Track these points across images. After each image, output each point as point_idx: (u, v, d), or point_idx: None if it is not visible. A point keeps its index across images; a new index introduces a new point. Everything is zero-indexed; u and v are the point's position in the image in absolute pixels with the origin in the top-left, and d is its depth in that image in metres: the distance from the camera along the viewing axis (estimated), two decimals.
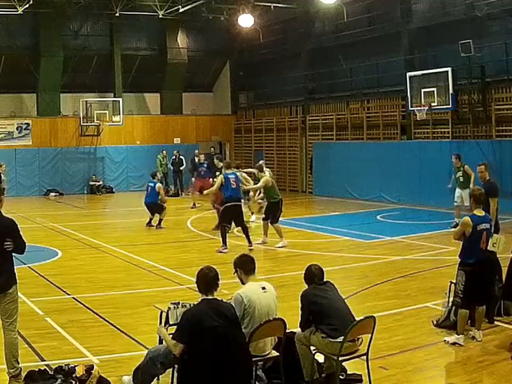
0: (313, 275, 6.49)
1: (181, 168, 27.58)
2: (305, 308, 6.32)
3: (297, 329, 6.45)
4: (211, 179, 21.95)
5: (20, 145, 27.56)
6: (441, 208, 18.97)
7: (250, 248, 13.92)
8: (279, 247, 14.33)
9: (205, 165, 22.44)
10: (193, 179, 22.47)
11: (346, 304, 6.44)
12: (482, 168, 12.13)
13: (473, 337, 7.58)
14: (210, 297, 5.66)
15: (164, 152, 27.84)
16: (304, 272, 6.58)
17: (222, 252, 13.67)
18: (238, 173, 14.95)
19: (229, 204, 14.11)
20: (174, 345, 5.57)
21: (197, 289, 5.79)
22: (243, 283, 6.19)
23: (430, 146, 20.94)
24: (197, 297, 5.90)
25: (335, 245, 14.76)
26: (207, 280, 5.70)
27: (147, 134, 30.17)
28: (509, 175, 18.51)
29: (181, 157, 27.65)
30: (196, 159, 23.46)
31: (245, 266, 6.23)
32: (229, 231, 14.56)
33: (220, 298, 5.80)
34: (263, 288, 6.13)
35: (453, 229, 12.42)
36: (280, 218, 14.99)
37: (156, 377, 6.18)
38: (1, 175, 20.13)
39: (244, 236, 14.25)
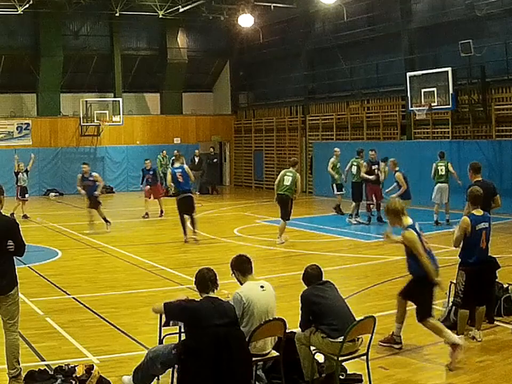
0: (311, 276, 6.49)
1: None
2: (305, 308, 6.32)
3: (297, 329, 6.45)
4: (161, 184, 22.30)
5: (20, 145, 27.52)
6: (441, 208, 18.94)
7: (186, 240, 15.06)
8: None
9: (151, 172, 21.46)
10: (147, 186, 20.95)
11: (346, 304, 6.44)
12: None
13: (473, 337, 7.58)
14: (211, 295, 5.68)
15: (164, 152, 27.86)
16: (302, 274, 6.59)
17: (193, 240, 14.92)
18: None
19: (179, 197, 15.31)
20: (160, 309, 5.79)
21: (197, 290, 5.79)
22: (241, 283, 6.20)
23: (430, 146, 20.93)
24: (196, 297, 5.90)
25: (335, 245, 14.75)
26: (206, 280, 5.73)
27: (147, 134, 30.17)
28: (509, 175, 18.52)
29: (181, 157, 27.62)
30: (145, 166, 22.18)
31: (241, 266, 6.23)
32: None
33: (223, 300, 5.81)
34: (262, 286, 6.13)
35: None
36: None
37: (156, 377, 6.19)
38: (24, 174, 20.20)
39: (190, 225, 15.24)
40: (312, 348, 6.28)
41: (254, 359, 5.91)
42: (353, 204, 18.09)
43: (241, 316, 5.90)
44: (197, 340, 5.48)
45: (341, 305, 6.37)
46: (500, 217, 16.16)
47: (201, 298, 5.78)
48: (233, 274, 6.27)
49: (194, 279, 5.85)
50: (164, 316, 6.58)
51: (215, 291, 5.77)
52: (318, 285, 6.40)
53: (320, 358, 6.44)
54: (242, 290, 6.02)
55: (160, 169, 27.78)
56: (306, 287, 6.48)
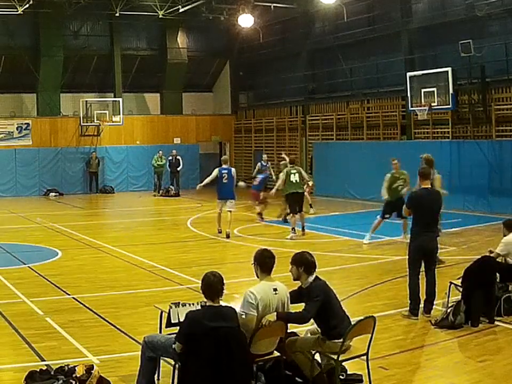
0: (310, 264, 6.33)
1: (178, 168, 27.65)
2: (321, 297, 6.14)
3: (295, 336, 6.42)
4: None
5: (20, 145, 27.55)
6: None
7: None
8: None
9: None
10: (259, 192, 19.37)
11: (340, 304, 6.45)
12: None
13: None
14: (216, 304, 5.63)
15: (160, 152, 27.84)
16: (296, 256, 6.43)
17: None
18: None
19: None
20: (177, 346, 5.61)
21: (197, 290, 5.78)
22: (258, 277, 6.14)
23: (430, 146, 20.91)
24: (196, 297, 5.90)
25: (335, 245, 14.74)
26: (212, 286, 5.64)
27: (147, 134, 30.17)
28: (509, 175, 18.53)
29: (177, 157, 27.68)
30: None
31: (263, 262, 6.10)
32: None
33: (225, 304, 5.79)
34: (275, 289, 6.04)
35: None
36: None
37: (156, 378, 6.19)
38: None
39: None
40: (310, 350, 6.27)
41: (254, 359, 5.89)
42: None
43: (257, 313, 5.85)
44: (195, 342, 5.46)
45: (339, 305, 6.37)
46: (500, 217, 16.15)
47: (204, 307, 5.77)
48: (253, 265, 6.16)
49: (200, 285, 5.76)
50: (164, 317, 6.62)
51: (221, 297, 5.72)
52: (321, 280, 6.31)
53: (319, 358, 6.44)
54: (256, 289, 5.94)
55: (156, 170, 27.75)
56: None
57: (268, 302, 5.91)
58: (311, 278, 6.31)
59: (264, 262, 6.10)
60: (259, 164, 22.28)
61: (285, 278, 10.72)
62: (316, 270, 6.38)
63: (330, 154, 24.85)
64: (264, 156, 23.14)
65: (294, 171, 15.86)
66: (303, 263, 6.35)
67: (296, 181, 15.75)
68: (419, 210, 8.71)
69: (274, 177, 22.58)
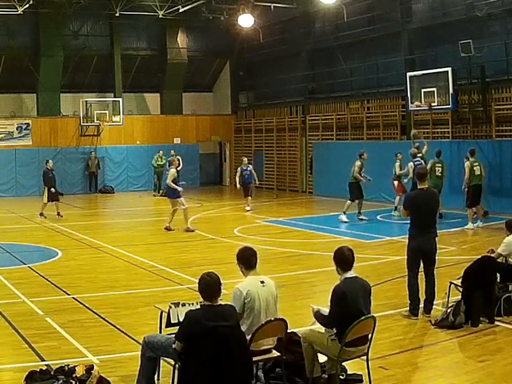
0: (347, 261, 6.29)
1: (178, 168, 27.53)
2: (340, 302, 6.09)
3: (301, 329, 6.42)
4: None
5: (20, 145, 27.54)
6: (441, 208, 18.94)
7: None
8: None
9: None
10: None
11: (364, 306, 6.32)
12: None
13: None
14: (214, 304, 5.61)
15: (160, 152, 27.81)
16: (336, 252, 6.44)
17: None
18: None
19: None
20: (177, 345, 5.62)
21: (197, 290, 5.76)
22: (243, 274, 6.19)
23: (430, 146, 20.91)
24: (196, 297, 5.89)
25: (335, 245, 14.66)
26: (210, 286, 5.63)
27: (147, 134, 30.17)
28: (509, 175, 18.53)
29: (177, 157, 27.63)
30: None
31: (246, 259, 6.18)
32: None
33: (224, 303, 5.79)
34: (262, 282, 6.11)
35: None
36: (282, 218, 15.05)
37: (156, 378, 6.19)
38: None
39: None
40: (316, 348, 6.26)
41: (254, 359, 5.89)
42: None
43: (242, 310, 5.91)
44: (195, 342, 5.45)
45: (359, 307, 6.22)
46: (500, 217, 16.17)
47: (201, 305, 5.75)
48: (237, 265, 6.23)
49: (198, 286, 5.74)
50: (163, 317, 6.61)
51: (219, 298, 5.72)
52: (351, 279, 6.24)
53: (321, 358, 6.43)
54: (242, 285, 6.01)
55: (157, 170, 27.71)
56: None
57: (256, 294, 5.97)
58: (343, 276, 6.28)
59: (247, 260, 6.19)
60: (239, 168, 21.48)
61: (286, 278, 10.71)
62: (351, 267, 6.29)
63: (330, 154, 24.84)
64: (244, 160, 21.95)
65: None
66: (334, 258, 6.42)
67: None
68: (417, 211, 8.73)
69: (257, 182, 21.99)
